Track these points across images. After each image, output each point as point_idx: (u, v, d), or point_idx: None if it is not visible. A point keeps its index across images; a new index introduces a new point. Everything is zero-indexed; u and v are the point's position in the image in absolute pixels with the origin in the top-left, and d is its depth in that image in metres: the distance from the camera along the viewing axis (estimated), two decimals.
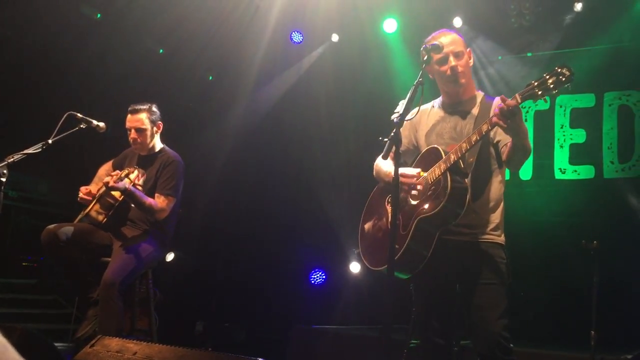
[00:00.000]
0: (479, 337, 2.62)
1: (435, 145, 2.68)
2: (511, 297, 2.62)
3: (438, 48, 2.72)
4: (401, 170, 2.65)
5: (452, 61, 2.72)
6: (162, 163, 4.12)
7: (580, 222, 5.01)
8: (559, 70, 2.30)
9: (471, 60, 2.82)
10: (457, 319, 2.71)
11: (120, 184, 3.77)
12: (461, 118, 2.76)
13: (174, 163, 4.12)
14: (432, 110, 2.88)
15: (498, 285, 2.60)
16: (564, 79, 2.29)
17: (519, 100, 2.37)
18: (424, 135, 2.84)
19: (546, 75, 2.32)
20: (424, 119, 2.86)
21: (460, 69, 2.73)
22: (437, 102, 2.91)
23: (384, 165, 2.85)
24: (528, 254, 4.93)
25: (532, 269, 4.96)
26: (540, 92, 2.33)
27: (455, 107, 2.81)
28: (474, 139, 2.51)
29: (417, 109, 2.60)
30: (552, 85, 2.30)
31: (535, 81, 2.34)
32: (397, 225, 2.52)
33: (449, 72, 2.72)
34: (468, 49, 2.82)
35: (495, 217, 2.69)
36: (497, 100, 2.68)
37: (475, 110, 2.74)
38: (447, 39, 2.76)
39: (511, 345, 2.58)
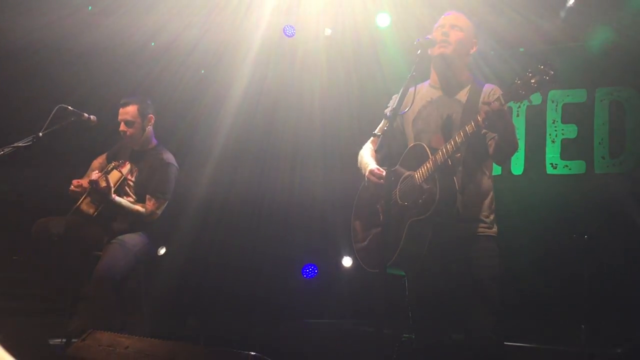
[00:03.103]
0: (470, 331, 2.63)
1: (421, 143, 2.68)
2: (502, 292, 2.64)
3: (432, 42, 2.72)
4: (370, 167, 2.70)
5: (447, 29, 2.73)
6: (156, 164, 4.11)
7: (571, 216, 5.03)
8: (542, 68, 2.26)
9: (472, 49, 2.81)
10: (450, 312, 2.72)
11: (107, 196, 3.77)
12: (449, 104, 2.75)
13: (167, 166, 4.11)
14: (421, 89, 2.84)
15: (490, 279, 2.61)
16: (547, 78, 2.25)
17: (503, 102, 2.36)
18: (411, 121, 2.82)
19: (529, 73, 2.29)
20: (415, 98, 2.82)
21: (451, 36, 2.72)
22: (427, 83, 2.89)
23: (365, 157, 2.87)
24: (519, 248, 4.95)
25: (523, 263, 4.99)
26: (524, 93, 2.31)
27: (444, 90, 2.79)
28: (459, 140, 2.50)
29: (413, 87, 2.58)
30: (535, 85, 2.27)
31: (519, 79, 2.32)
32: (390, 227, 2.53)
33: (441, 36, 2.73)
34: (474, 39, 2.82)
35: (486, 209, 2.69)
36: (486, 89, 2.69)
37: (463, 97, 2.73)
38: (450, 16, 2.79)
39: (502, 339, 2.60)
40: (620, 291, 4.74)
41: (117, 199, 3.85)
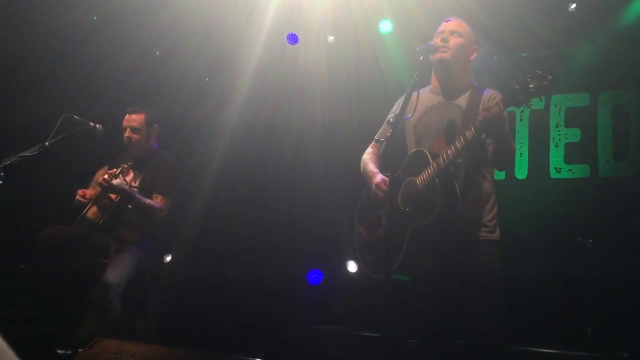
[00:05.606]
0: (474, 335, 2.64)
1: (422, 149, 2.70)
2: (506, 296, 2.64)
3: (433, 48, 2.74)
4: (377, 180, 2.71)
5: (446, 35, 2.75)
6: (158, 163, 4.14)
7: (576, 220, 5.02)
8: (540, 73, 2.28)
9: (472, 55, 2.83)
10: (454, 317, 2.73)
11: (119, 186, 3.78)
12: (449, 109, 2.77)
13: (170, 163, 4.15)
14: (422, 95, 2.86)
15: (493, 283, 2.62)
16: (546, 83, 2.27)
17: (502, 107, 2.38)
18: (412, 126, 2.84)
19: (527, 78, 2.30)
20: (417, 102, 2.83)
21: (450, 42, 2.74)
22: (427, 88, 2.91)
23: (369, 164, 2.88)
24: (523, 252, 4.95)
25: (527, 267, 4.98)
26: (522, 98, 2.33)
27: (445, 95, 2.81)
28: (459, 146, 2.51)
29: (415, 92, 2.61)
30: (534, 90, 2.29)
31: (517, 84, 2.33)
32: (393, 232, 2.54)
33: (440, 42, 2.75)
34: (474, 45, 2.84)
35: (487, 213, 2.70)
36: (486, 94, 2.70)
37: (464, 102, 2.74)
38: (450, 22, 2.82)
39: (507, 343, 2.60)
40: (625, 294, 4.73)
41: (131, 190, 3.86)
